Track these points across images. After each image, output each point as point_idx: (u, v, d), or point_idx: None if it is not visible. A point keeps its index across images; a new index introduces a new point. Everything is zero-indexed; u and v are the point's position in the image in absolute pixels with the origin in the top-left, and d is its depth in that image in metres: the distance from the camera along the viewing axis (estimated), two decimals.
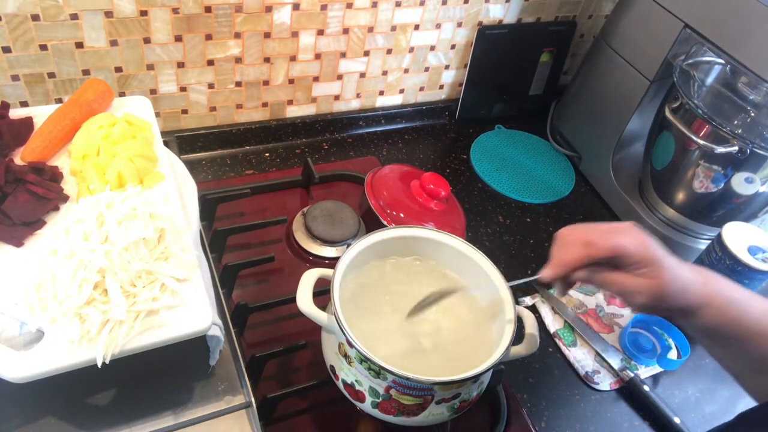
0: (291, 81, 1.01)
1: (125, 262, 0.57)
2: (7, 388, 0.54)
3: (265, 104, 1.03)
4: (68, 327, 0.53)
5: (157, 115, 0.95)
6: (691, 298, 0.55)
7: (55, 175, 0.66)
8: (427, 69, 1.13)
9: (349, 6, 0.95)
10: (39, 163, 0.66)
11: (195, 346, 0.64)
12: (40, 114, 0.71)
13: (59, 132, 0.69)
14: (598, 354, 0.83)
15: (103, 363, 0.53)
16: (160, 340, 0.55)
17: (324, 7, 0.94)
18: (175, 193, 0.68)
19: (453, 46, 1.11)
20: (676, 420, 0.77)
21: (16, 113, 0.70)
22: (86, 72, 0.85)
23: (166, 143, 0.78)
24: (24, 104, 0.85)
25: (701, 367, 0.86)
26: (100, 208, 0.60)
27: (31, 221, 0.61)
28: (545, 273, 0.58)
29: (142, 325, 0.55)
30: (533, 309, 0.88)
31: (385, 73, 1.09)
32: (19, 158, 0.67)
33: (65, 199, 0.65)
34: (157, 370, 0.63)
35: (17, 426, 0.58)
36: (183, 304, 0.58)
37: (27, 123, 0.70)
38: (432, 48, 1.09)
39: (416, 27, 1.04)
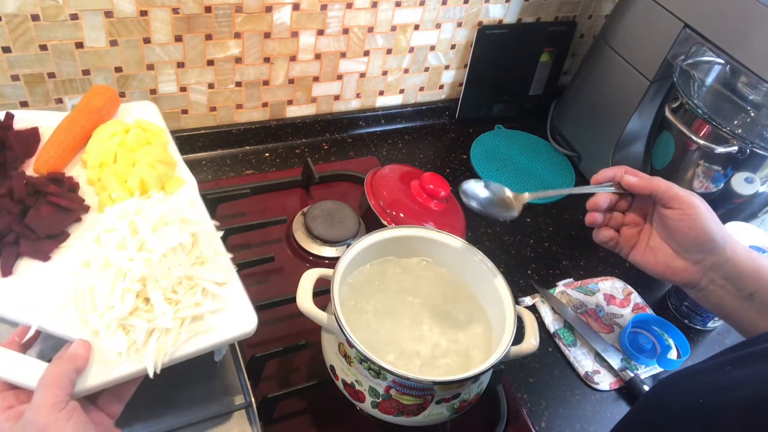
0: (291, 81, 1.01)
1: (166, 269, 0.56)
2: None
3: (265, 104, 1.03)
4: (113, 339, 0.52)
5: None
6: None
7: (73, 186, 0.65)
8: (427, 69, 1.13)
9: (349, 6, 0.95)
10: (57, 173, 0.65)
11: None
12: (44, 123, 0.70)
13: (71, 141, 0.68)
14: (598, 354, 0.83)
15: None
16: (208, 346, 0.55)
17: (324, 7, 0.94)
18: (199, 197, 0.68)
19: (453, 46, 1.11)
20: None
21: (19, 122, 0.69)
22: (86, 72, 0.85)
23: None
24: (24, 104, 0.85)
25: None
26: (131, 215, 0.59)
27: (56, 234, 0.59)
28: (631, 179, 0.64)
29: (188, 331, 0.55)
30: (533, 309, 0.88)
31: (385, 73, 1.09)
32: (31, 170, 0.66)
33: (87, 209, 0.63)
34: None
35: None
36: (225, 307, 0.58)
37: (34, 133, 0.68)
38: (432, 48, 1.09)
39: (416, 27, 1.04)
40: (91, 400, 0.52)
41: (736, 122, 0.88)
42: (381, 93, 1.12)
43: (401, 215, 0.85)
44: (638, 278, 0.96)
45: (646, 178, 0.64)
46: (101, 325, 0.53)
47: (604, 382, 0.81)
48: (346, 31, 0.99)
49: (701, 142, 0.86)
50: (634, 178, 0.64)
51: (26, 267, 0.57)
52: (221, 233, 0.65)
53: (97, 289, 0.54)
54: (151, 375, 0.52)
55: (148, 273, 0.54)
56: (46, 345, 0.56)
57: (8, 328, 0.56)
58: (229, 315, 0.57)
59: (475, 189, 0.69)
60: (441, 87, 1.18)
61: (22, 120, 0.69)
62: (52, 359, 0.50)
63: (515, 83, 1.22)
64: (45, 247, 0.58)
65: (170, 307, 0.54)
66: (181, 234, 0.59)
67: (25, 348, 0.52)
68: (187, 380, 0.64)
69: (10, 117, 0.68)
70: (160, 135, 0.71)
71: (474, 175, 1.09)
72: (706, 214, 0.58)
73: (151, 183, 0.65)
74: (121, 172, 0.65)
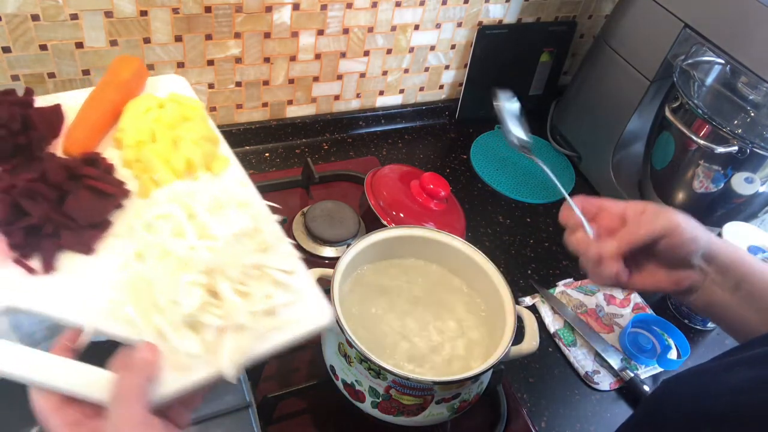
0: (291, 81, 1.01)
1: (233, 258, 0.49)
2: (7, 390, 0.54)
3: (265, 104, 1.03)
4: (182, 340, 0.46)
5: None
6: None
7: (108, 168, 0.57)
8: (427, 69, 1.13)
9: (349, 6, 0.95)
10: (90, 154, 0.57)
11: None
12: (65, 102, 0.62)
13: (101, 118, 0.60)
14: (598, 354, 0.83)
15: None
16: (284, 341, 0.49)
17: (324, 7, 0.94)
18: (247, 177, 0.62)
19: (453, 46, 1.11)
20: None
21: (38, 101, 0.62)
22: (86, 72, 0.85)
23: None
24: None
25: None
26: (184, 199, 0.53)
27: (98, 222, 0.52)
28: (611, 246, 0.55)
29: (263, 327, 0.48)
30: (533, 309, 0.88)
31: (385, 73, 1.09)
32: (59, 152, 0.58)
33: (127, 194, 0.56)
34: None
35: (17, 428, 0.58)
36: (297, 298, 0.51)
37: (57, 111, 0.60)
38: (432, 48, 1.09)
39: (416, 27, 1.04)
40: (161, 411, 0.45)
41: (736, 122, 0.88)
42: (381, 93, 1.12)
43: (401, 215, 0.85)
44: None
45: (632, 233, 0.55)
46: (166, 324, 0.46)
47: (604, 382, 0.81)
48: (346, 31, 0.99)
49: (701, 142, 0.86)
50: (609, 246, 0.54)
51: (69, 261, 0.50)
52: (278, 217, 0.59)
53: (156, 283, 0.47)
54: (231, 379, 0.46)
55: (214, 262, 0.48)
56: (42, 334, 0.56)
57: (8, 330, 0.56)
58: (302, 307, 0.51)
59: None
60: (441, 87, 1.18)
61: (42, 100, 0.63)
62: (114, 365, 0.43)
63: (515, 83, 1.22)
64: (88, 238, 0.51)
65: (241, 300, 0.48)
66: (242, 217, 0.53)
67: (77, 354, 0.46)
68: None
69: (30, 92, 0.61)
70: (198, 109, 0.64)
71: (474, 175, 1.09)
72: (687, 226, 0.55)
73: (198, 162, 0.58)
74: (162, 152, 0.58)
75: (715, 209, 0.95)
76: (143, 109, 0.61)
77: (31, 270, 0.48)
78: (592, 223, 0.58)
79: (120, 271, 0.49)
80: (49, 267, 0.49)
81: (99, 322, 0.46)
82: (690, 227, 0.55)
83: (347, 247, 0.68)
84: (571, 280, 0.93)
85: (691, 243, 0.55)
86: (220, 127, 1.00)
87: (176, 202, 0.52)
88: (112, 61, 0.66)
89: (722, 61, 0.91)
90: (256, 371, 0.70)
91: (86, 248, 0.51)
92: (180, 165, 0.57)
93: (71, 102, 0.62)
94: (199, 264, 0.48)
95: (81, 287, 0.48)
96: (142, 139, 0.59)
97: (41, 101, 0.62)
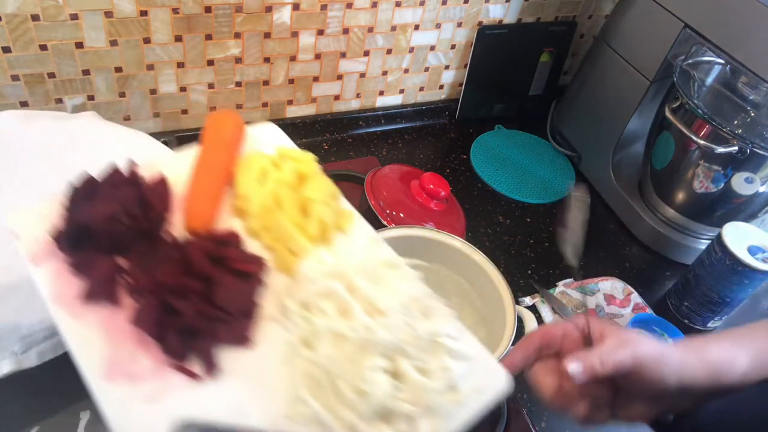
0: (291, 81, 1.01)
1: (409, 332, 0.45)
2: (7, 390, 0.54)
3: (265, 104, 1.03)
4: None
5: (157, 115, 0.95)
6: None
7: (239, 243, 0.52)
8: (427, 69, 1.13)
9: (349, 6, 0.95)
10: (226, 232, 0.52)
11: None
12: (146, 161, 0.56)
13: (216, 186, 0.55)
14: None
15: None
16: (471, 416, 0.45)
17: (324, 7, 0.94)
18: (373, 230, 0.57)
19: (453, 46, 1.11)
20: None
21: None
22: (86, 72, 0.85)
23: (165, 143, 0.78)
24: (24, 104, 0.85)
25: None
26: (340, 270, 0.48)
27: (249, 309, 0.47)
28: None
29: (452, 405, 0.44)
30: (533, 309, 0.88)
31: (385, 73, 1.09)
32: (180, 230, 0.52)
33: (266, 270, 0.50)
34: None
35: (17, 428, 0.58)
36: (471, 365, 0.47)
37: (164, 183, 0.54)
38: (432, 48, 1.09)
39: (416, 27, 1.04)
40: None
41: (736, 122, 0.88)
42: (381, 93, 1.12)
43: (401, 215, 0.85)
44: (638, 278, 0.96)
45: (593, 362, 0.47)
46: (357, 419, 0.41)
47: None
48: (346, 31, 0.99)
49: (701, 142, 0.86)
50: (579, 368, 0.47)
51: (228, 358, 0.45)
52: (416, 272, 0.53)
53: (337, 373, 0.43)
54: None
55: (392, 341, 0.44)
56: (42, 335, 0.56)
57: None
58: (477, 374, 0.47)
59: None
60: (441, 87, 1.18)
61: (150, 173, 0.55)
62: None
63: (515, 83, 1.22)
64: (243, 328, 0.46)
65: (426, 379, 0.44)
66: (402, 283, 0.48)
67: None
68: None
69: (134, 164, 0.54)
70: (311, 163, 0.58)
71: (474, 175, 1.09)
72: (651, 364, 0.47)
73: (332, 225, 0.54)
74: (294, 217, 0.53)
75: (715, 209, 0.95)
76: (259, 170, 0.56)
77: (194, 376, 0.43)
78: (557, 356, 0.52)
79: (289, 363, 0.45)
80: (212, 369, 0.44)
81: (282, 424, 0.42)
82: (654, 365, 0.47)
83: None
84: (571, 280, 0.93)
85: (658, 382, 0.48)
86: None
87: (335, 276, 0.47)
88: (209, 119, 0.61)
89: (722, 61, 0.91)
90: None
91: (244, 340, 0.46)
92: (315, 230, 0.53)
93: (168, 168, 0.56)
94: (377, 345, 0.43)
95: (250, 386, 0.44)
96: (268, 205, 0.53)
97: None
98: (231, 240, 0.51)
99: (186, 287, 0.45)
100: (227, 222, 0.54)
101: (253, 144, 0.61)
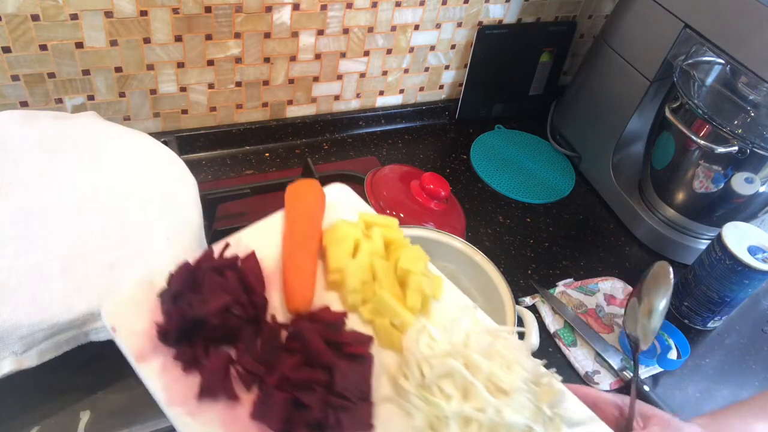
0: (291, 81, 1.01)
1: (534, 412, 0.44)
2: (7, 390, 0.54)
3: (265, 104, 1.03)
4: None
5: (157, 115, 0.95)
6: None
7: (345, 323, 0.50)
8: (427, 69, 1.13)
9: (349, 6, 0.95)
10: (337, 314, 0.50)
11: None
12: (240, 242, 0.55)
13: (312, 262, 0.53)
14: (598, 354, 0.83)
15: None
16: None
17: (324, 7, 0.94)
18: (461, 294, 0.57)
19: (453, 46, 1.11)
20: None
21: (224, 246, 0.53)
22: (86, 72, 0.85)
23: (165, 143, 0.78)
24: (24, 104, 0.85)
25: (701, 367, 0.86)
26: (456, 347, 0.47)
27: (367, 393, 0.46)
28: None
29: None
30: (533, 309, 0.88)
31: (385, 73, 1.09)
32: (279, 312, 0.51)
33: (372, 348, 0.50)
34: None
35: (17, 428, 0.58)
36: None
37: (256, 260, 0.52)
38: (432, 48, 1.09)
39: (416, 27, 1.04)
40: None
41: (736, 122, 0.88)
42: (381, 93, 1.12)
43: (401, 215, 0.85)
44: (638, 278, 0.96)
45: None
46: None
47: (605, 382, 0.81)
48: (346, 31, 0.99)
49: (701, 142, 0.86)
50: None
51: None
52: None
53: None
54: None
55: (523, 422, 0.43)
56: (42, 335, 0.56)
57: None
58: None
59: None
60: (441, 87, 1.18)
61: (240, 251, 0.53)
62: None
63: (515, 83, 1.22)
64: (365, 415, 0.45)
65: None
66: (516, 354, 0.47)
67: None
68: None
69: (226, 245, 0.52)
70: (397, 229, 0.57)
71: (474, 175, 1.09)
72: None
73: (431, 295, 0.53)
74: (392, 289, 0.52)
75: (715, 209, 0.95)
76: (349, 241, 0.54)
77: None
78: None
79: None
80: None
81: None
82: None
83: None
84: (571, 280, 0.93)
85: None
86: (219, 127, 1.01)
87: (452, 354, 0.46)
88: (289, 190, 0.59)
89: (722, 61, 0.91)
90: None
91: (367, 427, 0.45)
92: (416, 303, 0.52)
93: (253, 241, 0.55)
94: (507, 427, 0.43)
95: None
96: (364, 278, 0.52)
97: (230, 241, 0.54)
98: (340, 320, 0.50)
99: (311, 380, 0.44)
100: (323, 297, 0.52)
101: (332, 210, 0.59)
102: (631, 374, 0.81)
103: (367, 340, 0.48)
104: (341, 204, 0.60)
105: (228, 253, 0.52)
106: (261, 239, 0.55)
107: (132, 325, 0.46)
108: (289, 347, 0.46)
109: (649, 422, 0.50)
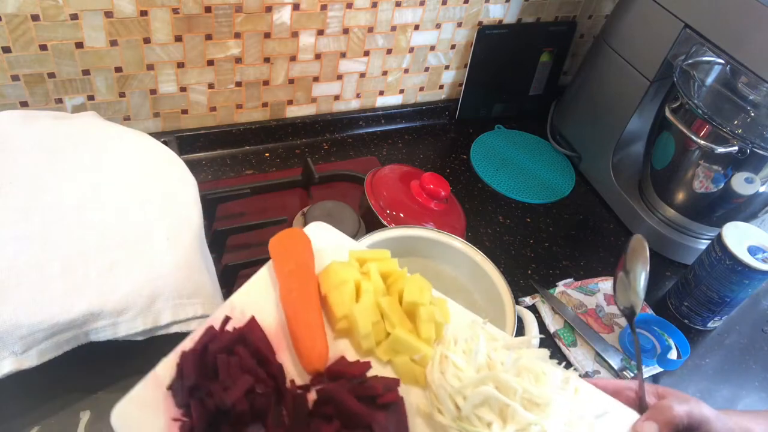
0: (291, 81, 1.01)
1: (571, 416, 0.46)
2: (7, 390, 0.54)
3: (265, 104, 1.03)
4: None
5: (157, 115, 0.95)
6: None
7: (368, 371, 0.50)
8: (427, 69, 1.13)
9: (349, 6, 0.95)
10: (359, 365, 0.49)
11: None
12: (234, 307, 0.53)
13: (319, 316, 0.52)
14: (598, 354, 0.83)
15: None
16: None
17: (324, 7, 0.94)
18: (466, 311, 0.58)
19: (453, 46, 1.11)
20: None
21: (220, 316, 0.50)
22: (86, 72, 0.85)
23: (165, 143, 0.78)
24: (24, 104, 0.85)
25: (701, 367, 0.87)
26: (486, 374, 0.47)
27: None
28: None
29: None
30: (533, 309, 0.88)
31: (385, 73, 1.09)
32: (294, 374, 0.50)
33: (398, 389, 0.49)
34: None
35: (17, 428, 0.58)
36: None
37: (258, 326, 0.51)
38: (432, 48, 1.09)
39: (416, 27, 1.04)
40: None
41: (736, 122, 0.88)
42: (381, 93, 1.12)
43: (401, 215, 0.85)
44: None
45: (666, 415, 0.51)
46: None
47: None
48: (346, 31, 0.99)
49: (701, 142, 0.86)
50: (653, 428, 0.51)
51: None
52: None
53: None
54: None
55: (563, 429, 0.45)
56: (42, 335, 0.56)
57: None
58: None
59: None
60: (441, 87, 1.18)
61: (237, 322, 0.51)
62: None
63: (515, 83, 1.22)
64: None
65: None
66: (546, 364, 0.48)
67: None
68: None
69: (227, 320, 0.50)
70: (390, 260, 0.57)
71: (474, 175, 1.09)
72: (718, 423, 0.52)
73: (443, 321, 0.53)
74: (404, 325, 0.52)
75: (715, 209, 0.95)
76: (350, 284, 0.53)
77: None
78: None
79: None
80: None
81: None
82: (717, 421, 0.51)
83: None
84: (571, 280, 0.93)
85: None
86: (219, 127, 1.01)
87: (482, 381, 0.46)
88: (273, 243, 0.57)
89: (722, 61, 0.91)
90: None
91: None
92: (432, 333, 0.52)
93: (247, 304, 0.53)
94: None
95: None
96: (374, 319, 0.52)
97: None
98: (365, 372, 0.49)
99: None
100: (334, 346, 0.51)
101: (320, 253, 0.57)
102: (632, 373, 0.81)
103: (395, 384, 0.47)
104: (326, 244, 0.59)
105: (229, 326, 0.49)
106: (255, 300, 0.53)
107: (149, 428, 0.43)
108: (321, 413, 0.45)
109: (667, 396, 0.53)
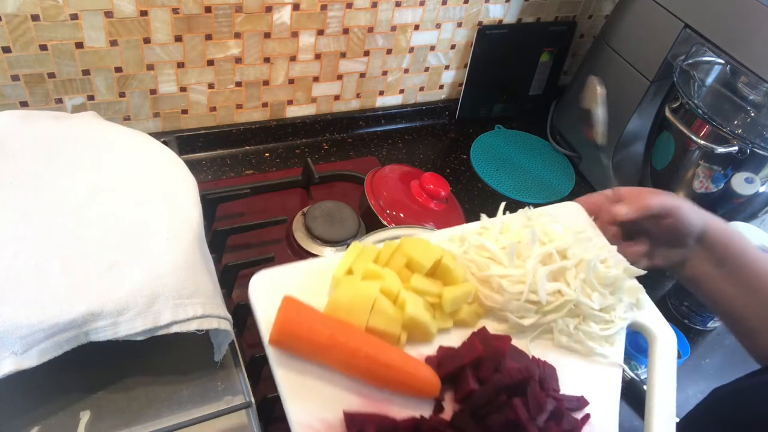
0: (291, 81, 1.01)
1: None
2: (7, 390, 0.54)
3: (265, 104, 1.03)
4: None
5: (157, 115, 0.95)
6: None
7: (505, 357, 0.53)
8: (427, 69, 1.13)
9: (349, 6, 0.95)
10: (520, 371, 0.50)
11: (196, 345, 0.64)
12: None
13: (400, 349, 0.53)
14: None
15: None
16: None
17: (324, 7, 0.94)
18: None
19: (453, 46, 1.11)
20: (676, 420, 0.77)
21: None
22: (86, 72, 0.85)
23: (165, 143, 0.78)
24: (24, 104, 0.85)
25: (701, 367, 0.86)
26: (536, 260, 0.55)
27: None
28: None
29: None
30: None
31: (385, 73, 1.09)
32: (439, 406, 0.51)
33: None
34: (156, 369, 0.63)
35: (17, 428, 0.58)
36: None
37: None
38: (432, 48, 1.09)
39: (416, 27, 1.04)
40: None
41: (736, 122, 0.88)
42: (381, 93, 1.12)
43: (401, 215, 0.85)
44: (638, 278, 0.96)
45: (634, 202, 0.65)
46: None
47: None
48: (346, 31, 0.99)
49: (701, 142, 0.86)
50: (625, 209, 0.65)
51: None
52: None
53: None
54: None
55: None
56: (42, 335, 0.56)
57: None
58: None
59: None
60: (441, 87, 1.18)
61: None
62: None
63: (515, 83, 1.22)
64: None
65: None
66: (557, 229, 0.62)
67: None
68: (187, 380, 0.64)
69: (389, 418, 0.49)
70: (365, 248, 0.59)
71: (474, 175, 1.09)
72: (686, 208, 0.63)
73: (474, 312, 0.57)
74: (439, 288, 0.56)
75: (715, 209, 0.95)
76: (380, 302, 0.52)
77: None
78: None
79: None
80: None
81: None
82: (689, 209, 0.62)
83: (347, 247, 0.68)
84: None
85: (690, 225, 0.62)
86: (219, 127, 1.01)
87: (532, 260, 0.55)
88: (277, 341, 0.50)
89: (722, 61, 0.91)
90: (257, 371, 0.70)
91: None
92: (462, 272, 0.57)
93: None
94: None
95: None
96: (423, 305, 0.54)
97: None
98: (529, 377, 0.49)
99: None
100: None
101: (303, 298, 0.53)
102: (632, 373, 0.81)
103: (526, 364, 0.51)
104: (294, 289, 0.54)
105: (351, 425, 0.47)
106: (334, 397, 0.49)
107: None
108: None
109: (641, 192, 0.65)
